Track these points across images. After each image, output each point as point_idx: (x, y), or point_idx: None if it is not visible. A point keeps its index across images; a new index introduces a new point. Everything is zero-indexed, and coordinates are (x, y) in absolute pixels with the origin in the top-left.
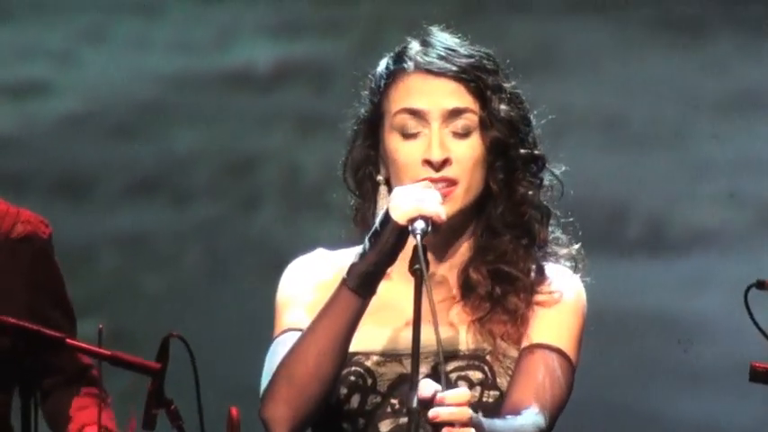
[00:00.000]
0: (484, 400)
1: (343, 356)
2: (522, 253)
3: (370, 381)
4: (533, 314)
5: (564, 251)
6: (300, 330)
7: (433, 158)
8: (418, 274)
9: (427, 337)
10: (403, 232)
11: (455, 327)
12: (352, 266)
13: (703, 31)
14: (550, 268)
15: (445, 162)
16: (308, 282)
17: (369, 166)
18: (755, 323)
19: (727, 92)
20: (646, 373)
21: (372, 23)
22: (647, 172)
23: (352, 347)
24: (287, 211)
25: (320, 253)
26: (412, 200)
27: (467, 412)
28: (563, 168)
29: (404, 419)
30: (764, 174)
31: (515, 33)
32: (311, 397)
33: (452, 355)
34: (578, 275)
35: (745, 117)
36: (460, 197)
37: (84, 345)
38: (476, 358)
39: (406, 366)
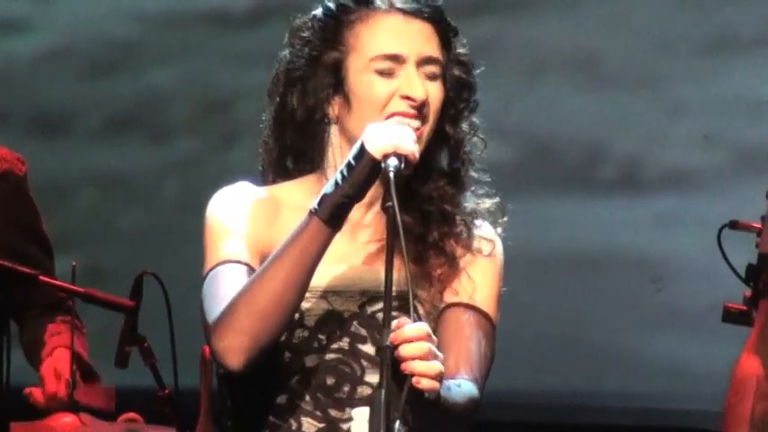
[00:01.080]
0: None
1: (306, 287)
2: (456, 199)
3: (297, 315)
4: (467, 264)
5: (486, 203)
6: (239, 262)
7: (417, 96)
8: (390, 211)
9: (356, 275)
10: (376, 167)
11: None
12: (324, 197)
13: None
14: (477, 222)
15: (424, 101)
16: (241, 213)
17: (326, 104)
18: (728, 263)
19: (703, 32)
20: (618, 313)
21: None
22: (622, 112)
23: None
24: None
25: (246, 186)
26: (389, 136)
27: (425, 346)
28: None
29: (329, 355)
30: (739, 115)
31: None
32: (272, 327)
33: (379, 295)
34: (498, 230)
35: (721, 58)
36: (424, 137)
37: (57, 282)
38: (401, 299)
39: (332, 303)
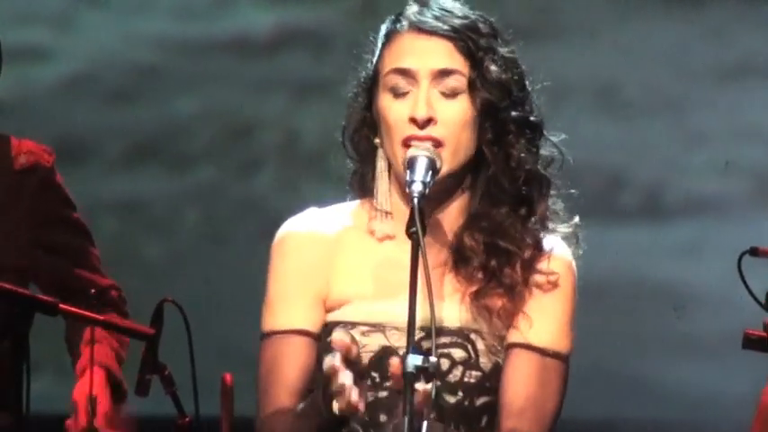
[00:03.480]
0: (465, 380)
1: None
2: (519, 226)
3: (354, 350)
4: (530, 297)
5: (562, 226)
6: (294, 332)
7: (417, 116)
8: (415, 238)
9: (418, 309)
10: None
11: (445, 299)
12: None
13: None
14: (548, 242)
15: (429, 121)
16: (301, 265)
17: (365, 128)
18: (749, 290)
19: (724, 59)
20: (640, 340)
21: None
22: (643, 140)
23: (338, 317)
24: (285, 175)
25: (312, 218)
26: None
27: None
28: (561, 136)
29: (382, 393)
30: (760, 142)
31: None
32: None
33: (437, 330)
34: (573, 249)
35: (741, 85)
36: (447, 159)
37: (77, 309)
38: (460, 335)
39: (389, 338)
